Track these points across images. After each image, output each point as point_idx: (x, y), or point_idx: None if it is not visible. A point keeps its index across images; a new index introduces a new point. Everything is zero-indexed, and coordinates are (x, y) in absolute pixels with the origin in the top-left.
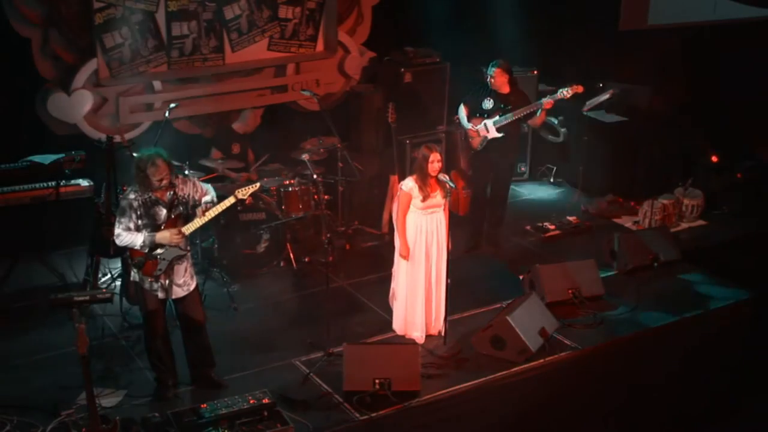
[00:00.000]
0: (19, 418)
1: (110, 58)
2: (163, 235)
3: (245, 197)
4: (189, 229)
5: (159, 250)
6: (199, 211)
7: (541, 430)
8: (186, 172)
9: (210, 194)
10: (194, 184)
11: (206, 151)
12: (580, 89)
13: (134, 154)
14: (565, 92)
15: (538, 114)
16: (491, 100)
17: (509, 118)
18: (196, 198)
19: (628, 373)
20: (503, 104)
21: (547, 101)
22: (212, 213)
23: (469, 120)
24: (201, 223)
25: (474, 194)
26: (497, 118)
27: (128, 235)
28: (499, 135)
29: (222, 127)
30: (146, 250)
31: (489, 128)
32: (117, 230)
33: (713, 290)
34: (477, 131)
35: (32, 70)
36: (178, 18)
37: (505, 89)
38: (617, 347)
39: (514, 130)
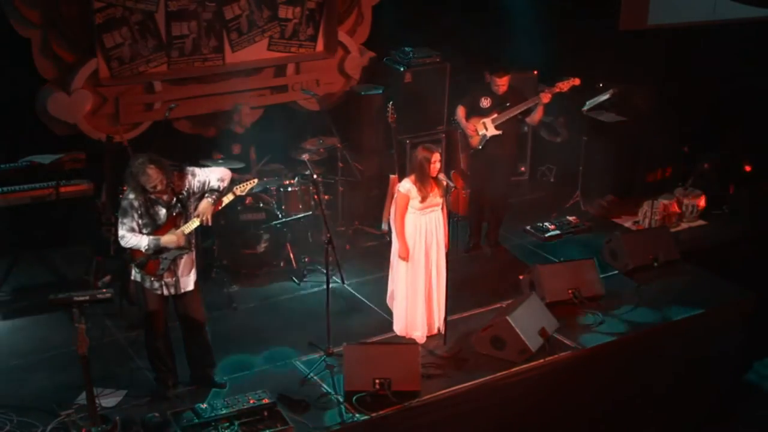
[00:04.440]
0: (19, 418)
1: (110, 58)
2: (169, 239)
3: (243, 194)
4: (190, 226)
5: (163, 254)
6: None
7: (540, 430)
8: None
9: (214, 180)
10: (193, 174)
11: (206, 151)
12: (576, 82)
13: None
14: (562, 85)
15: (535, 109)
16: (489, 99)
17: (508, 114)
18: (196, 190)
19: (628, 373)
20: (501, 102)
21: (544, 95)
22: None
23: (467, 119)
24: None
25: (473, 193)
26: (496, 115)
27: (133, 238)
28: (498, 133)
29: (222, 128)
30: (150, 253)
31: (488, 126)
32: (121, 232)
33: (713, 290)
34: (476, 130)
35: (32, 70)
36: (178, 18)
37: (504, 89)
38: (617, 347)
39: (513, 128)
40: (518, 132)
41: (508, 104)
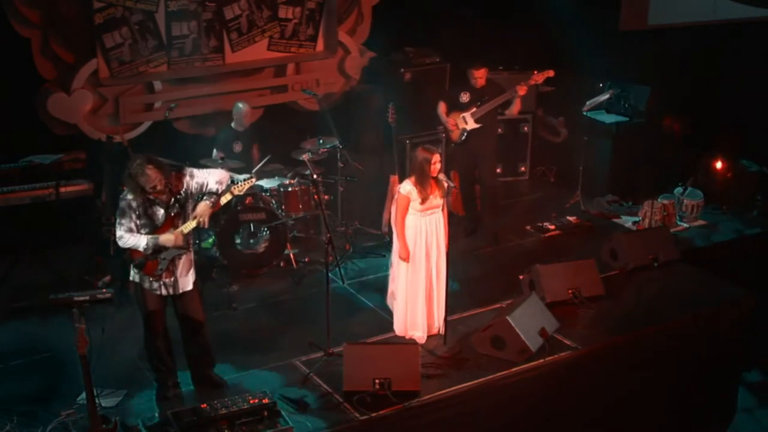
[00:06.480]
0: (19, 418)
1: (110, 58)
2: (167, 238)
3: (241, 193)
4: (188, 227)
5: (162, 254)
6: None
7: (540, 430)
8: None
9: (212, 182)
10: (191, 175)
11: (207, 151)
12: (551, 73)
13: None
14: (537, 77)
15: (513, 102)
16: (468, 94)
17: (487, 107)
18: (194, 191)
19: (627, 373)
20: (480, 96)
21: (520, 87)
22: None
23: (447, 115)
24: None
25: (462, 185)
26: (475, 109)
27: (131, 238)
28: (478, 126)
29: (223, 127)
30: (149, 252)
31: (467, 120)
32: (119, 232)
33: (713, 290)
34: (456, 124)
35: (32, 70)
36: (178, 18)
37: (482, 82)
38: (617, 347)
39: (492, 120)
40: (497, 123)
41: (486, 97)
